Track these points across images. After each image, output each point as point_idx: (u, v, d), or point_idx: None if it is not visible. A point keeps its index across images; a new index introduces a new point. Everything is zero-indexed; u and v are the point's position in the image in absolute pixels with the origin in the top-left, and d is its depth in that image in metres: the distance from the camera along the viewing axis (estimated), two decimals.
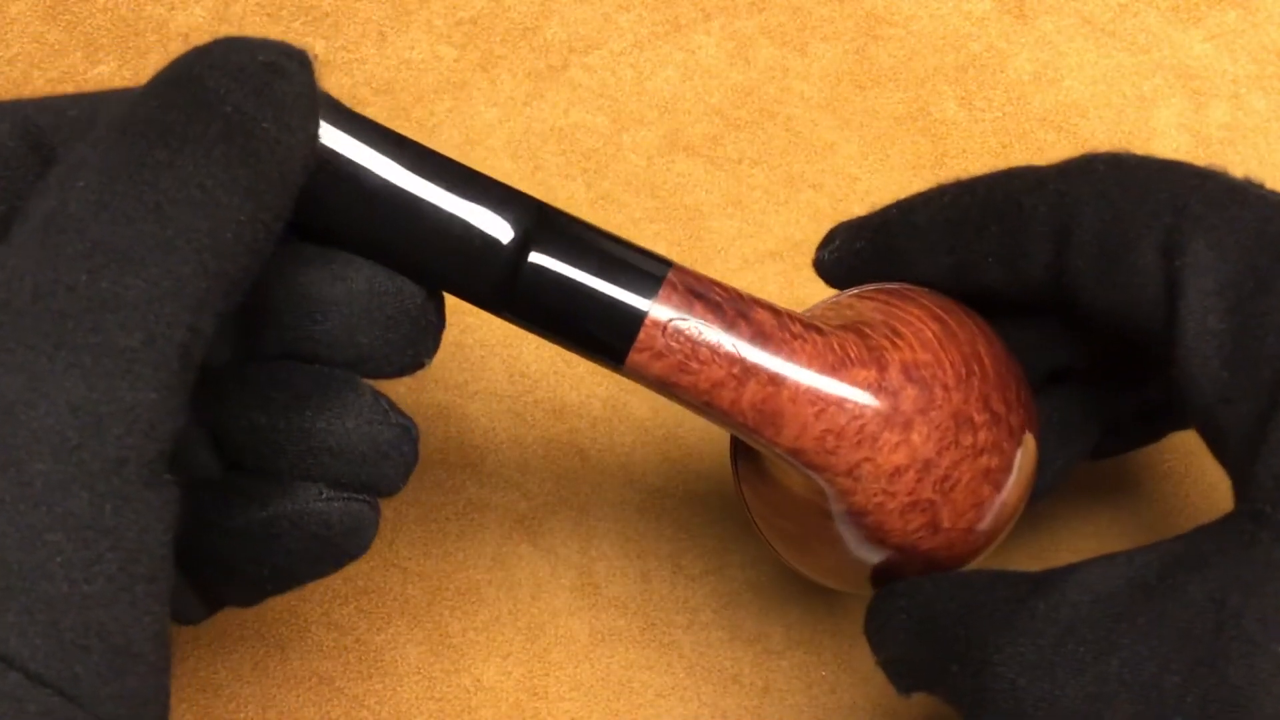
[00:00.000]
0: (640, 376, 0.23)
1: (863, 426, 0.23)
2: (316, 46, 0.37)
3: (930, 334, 0.24)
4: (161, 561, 0.18)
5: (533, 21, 0.37)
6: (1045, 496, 0.27)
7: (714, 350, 0.22)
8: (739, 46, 0.37)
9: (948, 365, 0.24)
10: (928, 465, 0.23)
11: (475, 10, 0.37)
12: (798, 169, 0.35)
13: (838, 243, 0.27)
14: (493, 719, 0.31)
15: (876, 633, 0.24)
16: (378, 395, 0.22)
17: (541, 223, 0.22)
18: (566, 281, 0.22)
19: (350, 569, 0.32)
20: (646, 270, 0.22)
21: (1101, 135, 0.36)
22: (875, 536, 0.24)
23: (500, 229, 0.22)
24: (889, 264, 0.26)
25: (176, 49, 0.37)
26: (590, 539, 0.32)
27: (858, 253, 0.26)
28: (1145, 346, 0.24)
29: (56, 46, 0.37)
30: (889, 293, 0.26)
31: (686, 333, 0.22)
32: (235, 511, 0.22)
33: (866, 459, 0.23)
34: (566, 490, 0.33)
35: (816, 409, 0.22)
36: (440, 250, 0.22)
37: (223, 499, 0.22)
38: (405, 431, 0.22)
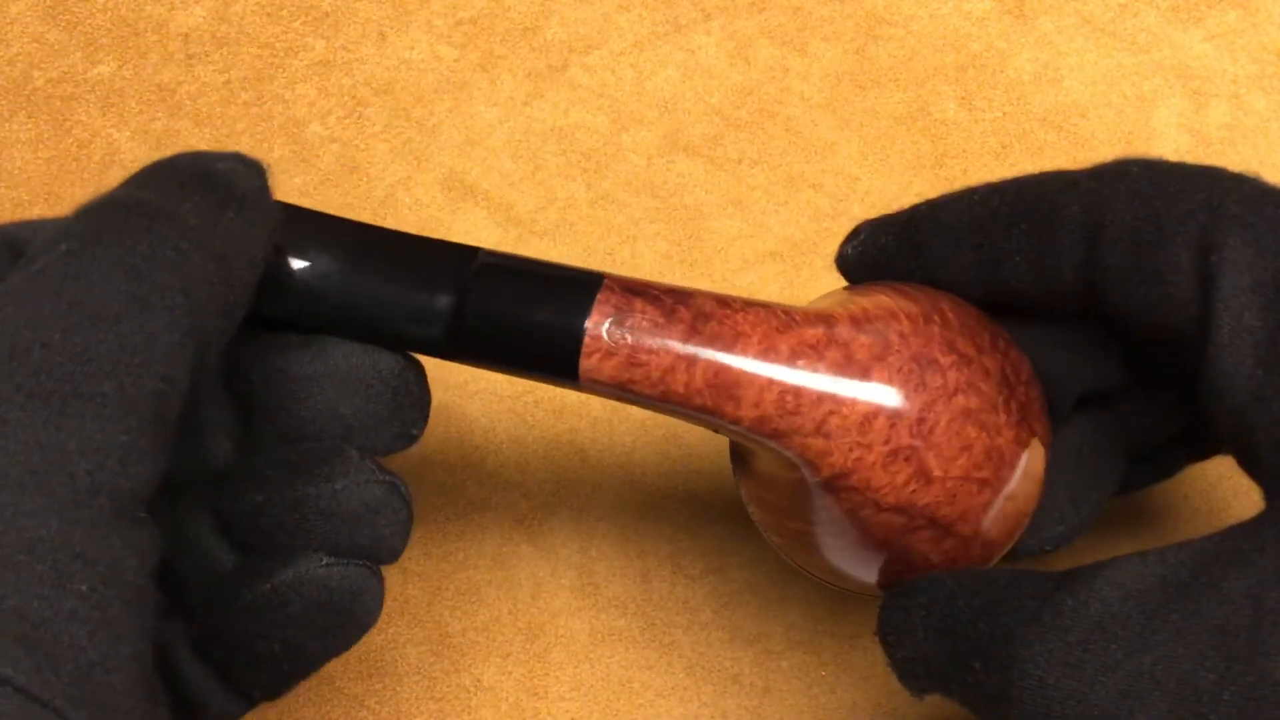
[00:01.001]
0: (597, 384, 0.23)
1: (823, 377, 0.23)
2: (317, 46, 0.37)
3: (884, 297, 0.24)
4: (137, 591, 0.19)
5: (533, 21, 0.37)
6: (1080, 535, 0.27)
7: (660, 338, 0.23)
8: (739, 46, 0.37)
9: (902, 316, 0.24)
10: (897, 410, 0.23)
11: (475, 10, 0.37)
12: (798, 169, 0.35)
13: (863, 237, 0.27)
14: (493, 719, 0.31)
15: (894, 630, 0.24)
16: (364, 457, 0.23)
17: (476, 273, 0.24)
18: (507, 318, 0.23)
19: None
20: (581, 283, 0.23)
21: (1101, 135, 0.36)
22: (868, 500, 0.23)
23: (435, 295, 0.23)
24: (914, 260, 0.26)
25: (176, 49, 0.37)
26: (590, 539, 0.32)
27: (882, 248, 0.26)
28: (1173, 353, 0.24)
29: (56, 46, 0.37)
30: (852, 288, 0.26)
31: (630, 327, 0.23)
32: (244, 590, 0.23)
33: (831, 412, 0.23)
34: (566, 490, 0.33)
35: (769, 372, 0.23)
36: (386, 325, 0.24)
37: (233, 582, 0.23)
38: (393, 488, 0.23)
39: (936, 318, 0.24)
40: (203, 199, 0.21)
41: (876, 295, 0.25)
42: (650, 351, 0.23)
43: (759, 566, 0.32)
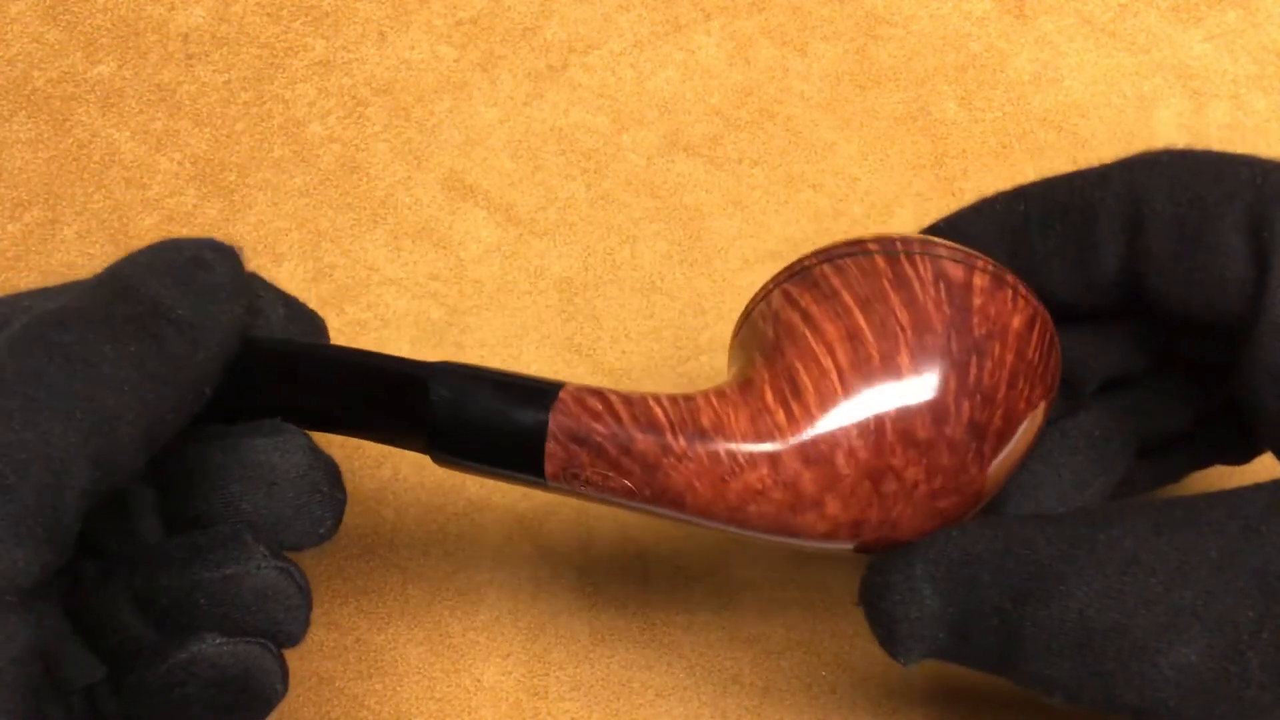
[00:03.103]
0: (569, 495, 0.24)
1: (776, 518, 0.23)
2: (317, 46, 0.37)
3: (834, 376, 0.23)
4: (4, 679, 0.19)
5: (533, 21, 0.37)
6: None
7: (612, 493, 0.23)
8: (739, 46, 0.37)
9: (851, 429, 0.23)
10: (857, 525, 0.23)
11: (475, 10, 0.37)
12: (798, 169, 0.35)
13: None
14: (493, 719, 0.31)
15: (894, 593, 0.23)
16: (257, 543, 0.23)
17: (435, 376, 0.24)
18: (475, 468, 0.24)
19: (350, 569, 0.32)
20: (526, 434, 0.23)
21: (1101, 135, 0.36)
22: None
23: (410, 392, 0.24)
24: None
25: (176, 49, 0.37)
26: (590, 539, 0.32)
27: None
28: (1208, 339, 0.23)
29: (56, 46, 0.37)
30: (815, 290, 0.24)
31: (584, 481, 0.23)
32: (148, 671, 0.23)
33: (795, 535, 0.23)
34: None
35: (724, 517, 0.23)
36: (365, 427, 0.25)
37: (142, 662, 0.23)
38: (285, 574, 0.23)
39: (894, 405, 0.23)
40: (149, 297, 0.22)
41: (825, 364, 0.23)
42: (607, 501, 0.23)
43: (759, 566, 0.32)
